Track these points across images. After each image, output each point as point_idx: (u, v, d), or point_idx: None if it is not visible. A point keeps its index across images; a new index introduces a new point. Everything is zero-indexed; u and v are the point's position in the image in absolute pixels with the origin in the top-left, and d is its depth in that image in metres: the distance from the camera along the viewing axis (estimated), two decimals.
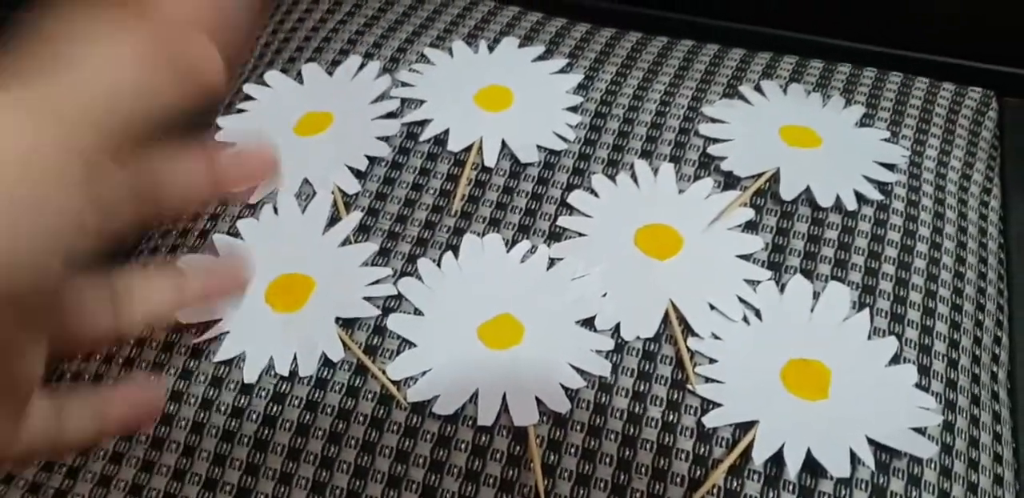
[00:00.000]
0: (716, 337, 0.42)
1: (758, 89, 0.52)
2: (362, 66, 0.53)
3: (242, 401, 0.42)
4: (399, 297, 0.44)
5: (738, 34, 0.62)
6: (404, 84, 0.52)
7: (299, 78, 0.53)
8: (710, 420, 0.40)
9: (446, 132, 0.50)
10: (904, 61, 0.58)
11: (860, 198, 0.46)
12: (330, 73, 0.53)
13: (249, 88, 0.53)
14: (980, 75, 0.57)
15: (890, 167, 0.48)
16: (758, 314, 0.43)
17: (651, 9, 0.63)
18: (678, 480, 0.39)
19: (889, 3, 0.59)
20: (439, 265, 0.45)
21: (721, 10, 0.63)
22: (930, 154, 0.49)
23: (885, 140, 0.49)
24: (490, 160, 0.49)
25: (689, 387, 0.41)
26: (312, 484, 0.40)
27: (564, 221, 0.46)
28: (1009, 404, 0.44)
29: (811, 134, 0.49)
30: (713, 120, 0.50)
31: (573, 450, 0.40)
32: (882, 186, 0.47)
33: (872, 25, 0.60)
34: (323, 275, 0.45)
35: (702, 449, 0.40)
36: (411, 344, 0.43)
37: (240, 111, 0.52)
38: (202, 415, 0.42)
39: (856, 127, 0.50)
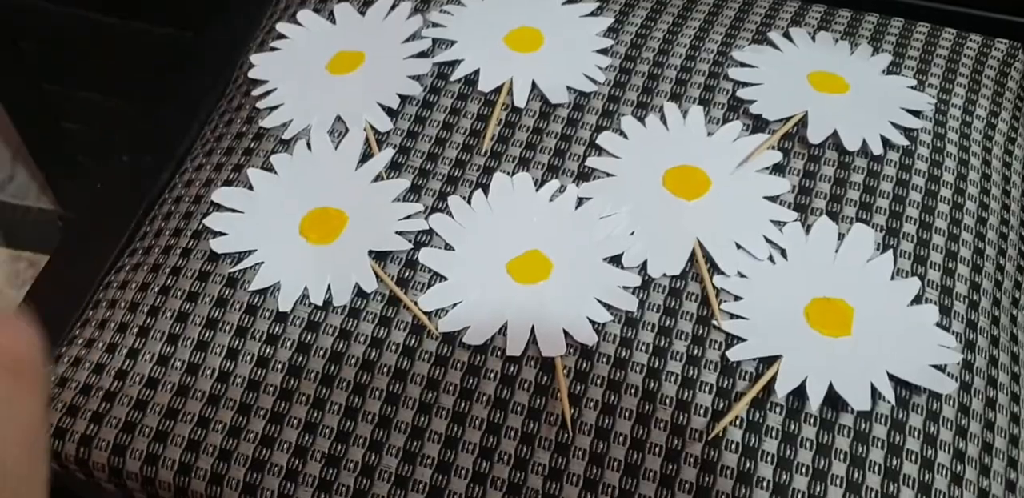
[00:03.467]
0: (742, 275, 0.43)
1: (787, 36, 0.52)
2: (394, 6, 0.54)
3: (276, 329, 0.43)
4: (430, 232, 0.45)
5: None
6: (435, 25, 0.53)
7: (331, 18, 0.54)
8: (734, 354, 0.41)
9: (476, 72, 0.50)
10: (932, 12, 0.58)
11: (886, 143, 0.47)
12: (362, 13, 0.54)
13: (282, 27, 0.54)
14: (1008, 28, 0.57)
15: (916, 114, 0.48)
16: (784, 253, 0.43)
17: None
18: (701, 411, 0.40)
19: None
20: (469, 202, 0.46)
21: None
22: (956, 102, 0.50)
23: (911, 88, 0.50)
24: (520, 101, 0.49)
25: (714, 323, 0.42)
26: (344, 409, 0.41)
27: (593, 162, 0.47)
28: None
29: (839, 80, 0.49)
30: (742, 64, 0.50)
31: (599, 381, 0.41)
32: (908, 132, 0.48)
33: None
34: (356, 209, 0.46)
35: (725, 382, 0.41)
36: (442, 277, 0.44)
37: (273, 49, 0.53)
38: (237, 342, 0.43)
39: (883, 75, 0.50)
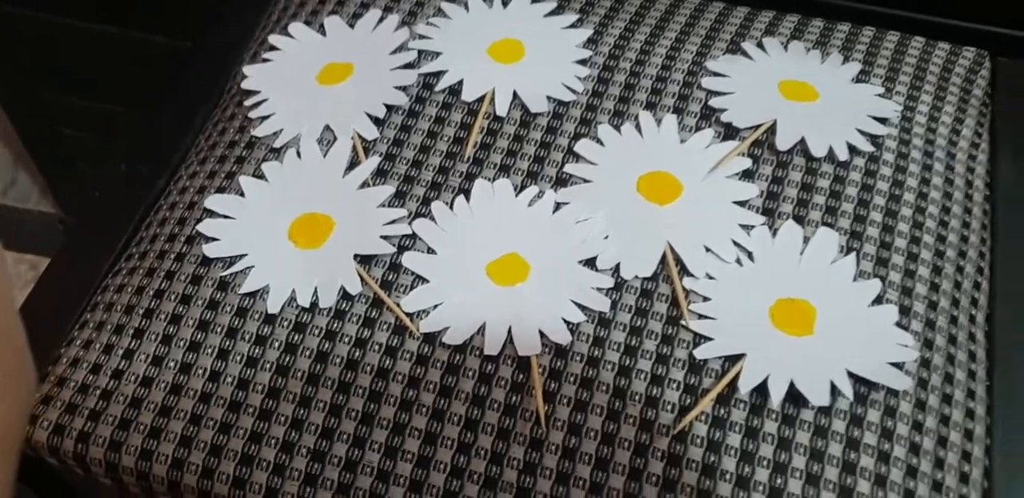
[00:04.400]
0: (710, 277, 0.45)
1: (760, 45, 0.54)
2: (382, 19, 0.56)
3: (265, 330, 0.45)
4: (414, 236, 0.47)
5: None
6: (421, 37, 0.55)
7: (322, 30, 0.56)
8: (701, 352, 0.43)
9: (460, 82, 0.52)
10: (903, 21, 0.60)
11: (852, 149, 0.49)
12: (351, 26, 0.56)
13: (274, 39, 0.56)
14: (976, 36, 0.58)
15: (882, 121, 0.50)
16: (751, 256, 0.45)
17: None
18: (669, 407, 0.42)
19: None
20: (452, 207, 0.48)
21: None
22: (922, 109, 0.52)
23: (879, 95, 0.52)
24: (502, 109, 0.51)
25: (683, 323, 0.44)
26: (329, 407, 0.43)
27: (570, 168, 0.49)
28: (986, 345, 0.47)
29: (808, 88, 0.51)
30: (715, 74, 0.52)
31: (572, 379, 0.43)
32: (874, 138, 0.50)
33: None
34: (342, 215, 0.48)
35: (692, 379, 0.43)
36: (424, 280, 0.46)
37: (265, 61, 0.55)
38: (227, 343, 0.45)
39: (852, 83, 0.52)
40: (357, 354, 0.44)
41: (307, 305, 0.45)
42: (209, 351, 0.45)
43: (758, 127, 0.50)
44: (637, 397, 0.42)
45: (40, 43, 0.88)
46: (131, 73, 0.87)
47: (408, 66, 0.53)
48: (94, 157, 0.99)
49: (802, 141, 0.49)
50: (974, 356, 0.46)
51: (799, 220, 0.47)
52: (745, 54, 0.53)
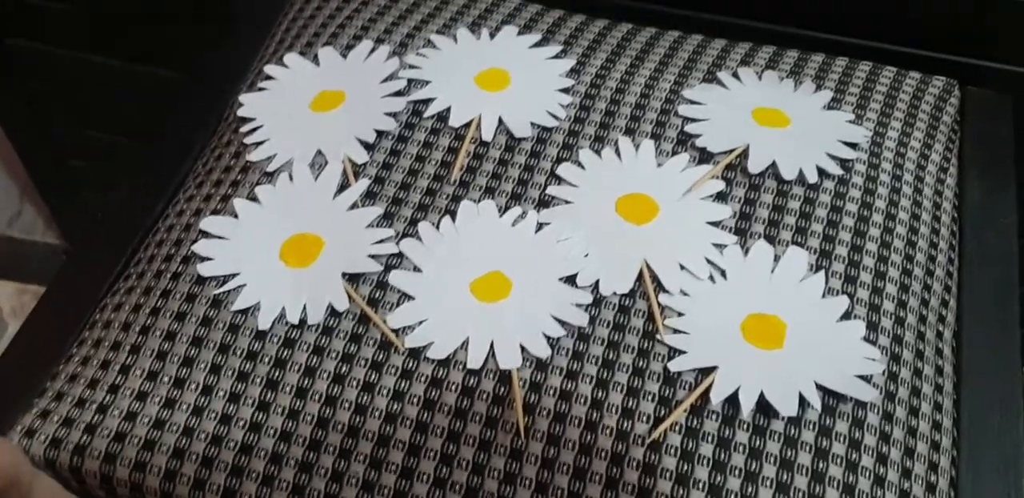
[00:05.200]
0: (684, 293, 0.47)
1: (735, 75, 0.56)
2: (373, 50, 0.58)
3: (256, 346, 0.47)
4: (400, 255, 0.49)
5: (727, 27, 0.66)
6: (411, 66, 0.57)
7: (316, 60, 0.58)
8: (675, 365, 0.44)
9: (448, 109, 0.54)
10: (877, 52, 0.62)
11: (821, 172, 0.51)
12: (344, 56, 0.58)
13: (270, 69, 0.58)
14: (947, 66, 0.61)
15: (852, 146, 0.52)
16: (723, 274, 0.47)
17: (645, 3, 0.67)
18: (644, 418, 0.44)
19: (874, 3, 0.63)
20: (438, 228, 0.50)
21: (712, 3, 0.67)
22: (891, 135, 0.54)
23: (850, 121, 0.54)
24: (487, 135, 0.53)
25: (658, 337, 0.45)
26: (317, 420, 0.45)
27: (553, 190, 0.51)
28: (953, 360, 0.48)
29: (781, 115, 0.53)
30: (692, 102, 0.54)
31: (552, 391, 0.44)
32: (843, 162, 0.52)
33: (855, 19, 0.64)
34: (332, 235, 0.50)
35: (667, 391, 0.44)
36: (410, 297, 0.47)
37: (261, 90, 0.57)
38: (219, 358, 0.47)
39: (824, 109, 0.54)
40: (344, 369, 0.46)
41: (296, 322, 0.47)
42: (202, 366, 0.47)
43: (731, 151, 0.52)
44: (614, 408, 0.44)
45: (46, 76, 0.91)
46: (135, 104, 0.89)
47: (398, 94, 0.55)
48: (98, 187, 1.02)
49: (773, 165, 0.51)
50: (941, 370, 0.47)
51: (770, 239, 0.49)
52: (720, 83, 0.55)
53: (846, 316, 0.46)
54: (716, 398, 0.43)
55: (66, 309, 0.53)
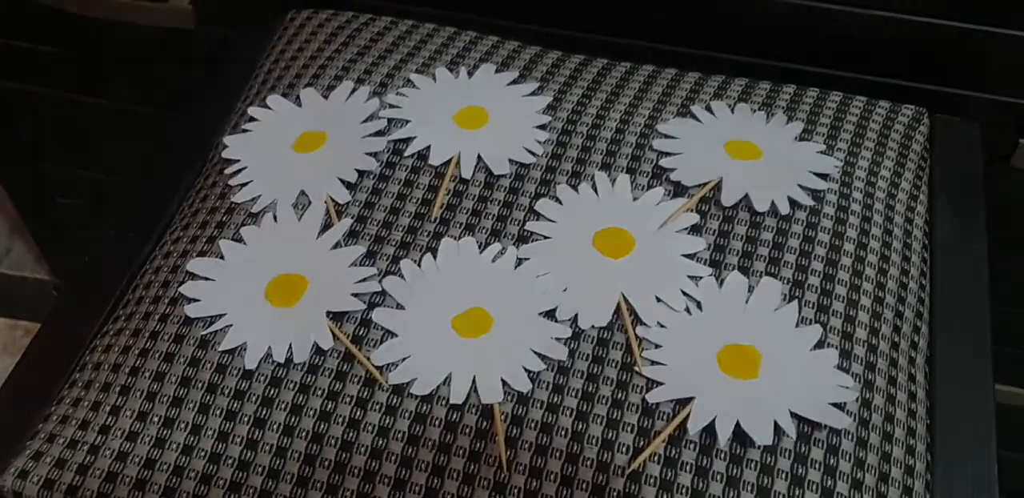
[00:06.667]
0: (661, 325, 0.48)
1: (708, 109, 0.57)
2: (354, 90, 0.59)
3: (243, 385, 0.48)
4: (383, 293, 0.50)
5: (701, 59, 0.68)
6: (391, 106, 0.58)
7: (297, 101, 0.59)
8: (653, 396, 0.45)
9: (428, 148, 0.56)
10: (850, 82, 0.64)
11: (793, 203, 0.52)
12: (325, 97, 0.59)
13: (253, 110, 0.59)
14: (916, 94, 0.62)
15: (823, 176, 0.54)
16: (699, 305, 0.48)
17: (618, 37, 0.69)
18: (624, 449, 0.44)
19: (845, 34, 0.64)
20: (419, 265, 0.51)
21: (684, 37, 0.68)
22: (862, 165, 0.55)
23: (821, 152, 0.55)
24: (467, 172, 0.55)
25: (636, 369, 0.46)
26: (304, 457, 0.46)
27: (531, 226, 0.52)
28: (926, 386, 0.49)
29: (753, 148, 0.54)
30: (666, 136, 0.56)
31: (533, 424, 0.45)
32: (815, 193, 0.53)
33: (826, 50, 0.66)
34: (316, 274, 0.51)
35: (646, 422, 0.45)
36: (393, 334, 0.48)
37: (244, 131, 0.58)
38: (208, 397, 0.48)
39: (795, 141, 0.56)
40: (330, 406, 0.47)
41: (282, 360, 0.48)
42: (191, 406, 0.48)
43: (705, 185, 0.53)
44: (594, 440, 0.45)
45: (34, 116, 0.92)
46: (122, 143, 0.90)
47: (379, 134, 0.57)
48: (86, 224, 1.03)
49: (746, 197, 0.52)
50: (914, 396, 0.48)
51: (744, 271, 0.50)
52: (694, 117, 0.57)
53: (819, 345, 0.47)
54: (693, 428, 0.44)
55: (56, 351, 0.54)
